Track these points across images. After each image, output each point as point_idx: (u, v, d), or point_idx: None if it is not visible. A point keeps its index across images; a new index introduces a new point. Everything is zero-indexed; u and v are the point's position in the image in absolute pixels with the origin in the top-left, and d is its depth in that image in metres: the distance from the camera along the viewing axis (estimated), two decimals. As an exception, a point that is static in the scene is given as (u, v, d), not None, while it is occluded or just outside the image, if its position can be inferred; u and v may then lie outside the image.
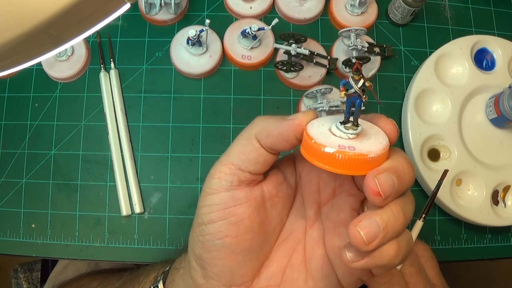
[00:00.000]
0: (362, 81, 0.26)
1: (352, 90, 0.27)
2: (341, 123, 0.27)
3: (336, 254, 0.31)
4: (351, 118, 0.27)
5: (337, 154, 0.25)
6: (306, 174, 0.33)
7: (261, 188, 0.31)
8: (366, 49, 0.53)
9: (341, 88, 0.27)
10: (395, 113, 0.56)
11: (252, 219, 0.30)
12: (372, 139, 0.27)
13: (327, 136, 0.27)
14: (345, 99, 0.28)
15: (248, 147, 0.30)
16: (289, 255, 0.33)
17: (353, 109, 0.27)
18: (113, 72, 0.55)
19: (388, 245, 0.26)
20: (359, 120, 0.27)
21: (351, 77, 0.26)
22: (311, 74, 0.55)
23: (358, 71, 0.26)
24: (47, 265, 0.73)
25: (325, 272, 0.32)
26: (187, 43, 0.53)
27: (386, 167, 0.26)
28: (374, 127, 0.29)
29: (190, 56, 0.54)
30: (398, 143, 0.55)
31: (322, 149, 0.26)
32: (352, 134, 0.27)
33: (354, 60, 0.25)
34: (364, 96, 0.27)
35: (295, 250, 0.33)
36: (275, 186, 0.32)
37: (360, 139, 0.27)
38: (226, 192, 0.30)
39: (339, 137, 0.27)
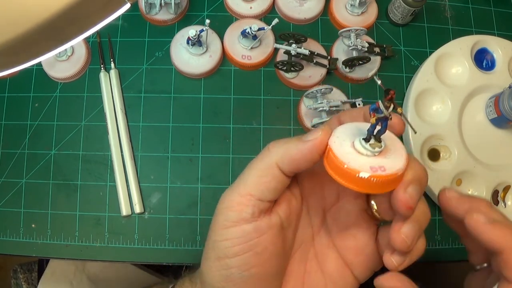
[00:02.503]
0: (392, 106, 0.27)
1: (382, 115, 0.27)
2: (364, 140, 0.28)
3: (352, 253, 0.32)
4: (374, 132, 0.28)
5: (372, 179, 0.26)
6: (308, 183, 0.33)
7: (277, 212, 0.31)
8: (366, 49, 0.53)
9: (371, 114, 0.27)
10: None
11: (275, 244, 0.30)
12: (393, 151, 0.28)
13: (354, 156, 0.27)
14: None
15: (267, 177, 0.29)
16: (304, 264, 0.33)
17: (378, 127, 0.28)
18: (113, 72, 0.55)
19: (419, 241, 0.29)
20: None
21: (382, 103, 0.26)
22: (311, 74, 0.55)
23: (391, 100, 0.26)
24: (43, 266, 0.73)
25: (341, 273, 0.32)
26: (187, 43, 0.53)
27: (411, 179, 0.27)
28: (393, 140, 0.29)
29: (190, 56, 0.54)
30: (398, 143, 0.55)
31: (357, 175, 0.26)
32: (378, 152, 0.28)
33: (389, 91, 0.25)
34: (401, 111, 0.27)
35: (308, 258, 0.33)
36: (287, 205, 0.31)
37: (385, 154, 0.28)
38: (248, 224, 0.29)
39: (366, 155, 0.28)
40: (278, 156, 0.29)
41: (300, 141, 0.28)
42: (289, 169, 0.29)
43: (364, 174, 0.26)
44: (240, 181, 0.30)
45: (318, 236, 0.34)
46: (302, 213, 0.34)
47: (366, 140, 0.28)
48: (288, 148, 0.29)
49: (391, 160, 0.28)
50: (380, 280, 0.29)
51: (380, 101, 0.26)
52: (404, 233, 0.27)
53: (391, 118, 0.27)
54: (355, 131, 0.29)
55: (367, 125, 0.28)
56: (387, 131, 0.28)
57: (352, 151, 0.28)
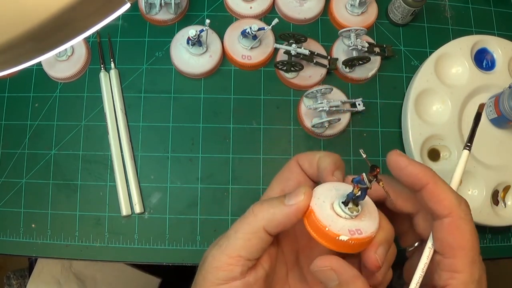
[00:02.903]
0: (374, 180, 0.29)
1: (364, 186, 0.29)
2: (343, 203, 0.31)
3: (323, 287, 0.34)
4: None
5: (350, 241, 0.30)
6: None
7: (261, 265, 0.33)
8: (366, 49, 0.53)
9: (355, 186, 0.30)
10: (395, 113, 0.56)
11: None
12: (367, 213, 0.32)
13: (334, 218, 0.30)
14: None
15: (256, 240, 0.31)
16: None
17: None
18: (113, 72, 0.55)
19: (388, 273, 0.33)
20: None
21: (366, 177, 0.29)
22: (311, 74, 0.55)
23: (376, 177, 0.29)
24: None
25: None
26: (187, 43, 0.53)
27: (381, 240, 0.31)
28: (367, 201, 0.32)
29: (190, 56, 0.54)
30: (398, 143, 0.55)
31: (337, 238, 0.30)
32: (355, 215, 0.31)
33: (375, 168, 0.28)
34: (383, 184, 0.30)
35: None
36: (269, 256, 0.33)
37: (360, 217, 0.31)
38: (237, 281, 0.31)
39: (344, 218, 0.31)
40: (265, 221, 0.31)
41: (285, 206, 0.31)
42: (275, 232, 0.31)
43: (344, 238, 0.30)
44: (228, 242, 0.31)
45: (292, 272, 0.36)
46: (278, 253, 0.35)
47: (345, 204, 0.31)
48: (274, 214, 0.31)
49: (366, 223, 0.31)
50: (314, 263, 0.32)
51: (364, 175, 0.29)
52: (378, 259, 0.31)
53: (383, 186, 0.30)
54: (333, 192, 0.32)
55: (343, 185, 0.32)
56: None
57: (332, 213, 0.31)
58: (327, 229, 0.30)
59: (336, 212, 0.31)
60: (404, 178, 0.33)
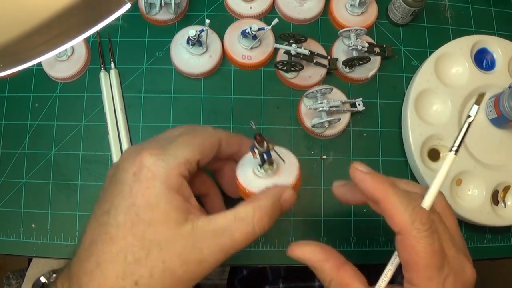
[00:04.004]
0: (265, 144, 0.34)
1: (260, 151, 0.35)
2: (260, 166, 0.36)
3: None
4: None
5: None
6: None
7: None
8: (366, 49, 0.53)
9: (252, 153, 0.36)
10: (395, 113, 0.56)
11: None
12: (287, 167, 0.37)
13: (254, 180, 0.37)
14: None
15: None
16: None
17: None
18: (113, 72, 0.55)
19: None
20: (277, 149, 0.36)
21: (256, 144, 0.34)
22: (311, 74, 0.55)
23: (261, 141, 0.34)
24: None
25: None
26: (187, 43, 0.53)
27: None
28: (288, 156, 0.38)
29: (190, 56, 0.54)
30: (398, 143, 0.55)
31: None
32: (271, 173, 0.37)
33: (256, 136, 0.34)
34: (272, 147, 0.35)
35: None
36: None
37: (279, 173, 0.37)
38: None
39: (263, 177, 0.37)
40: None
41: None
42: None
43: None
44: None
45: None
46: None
47: (261, 166, 0.36)
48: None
49: (282, 178, 0.37)
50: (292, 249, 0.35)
51: (254, 142, 0.34)
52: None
53: (272, 148, 0.35)
54: (253, 161, 0.37)
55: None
56: (284, 149, 0.38)
57: (253, 176, 0.37)
58: (247, 190, 0.37)
59: (256, 175, 0.37)
60: (362, 192, 0.34)
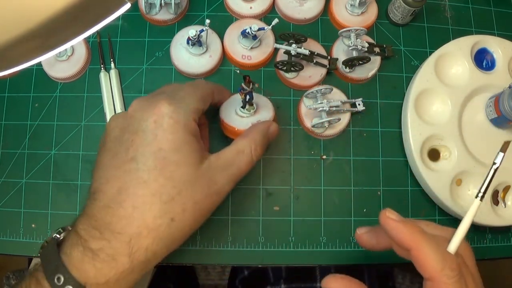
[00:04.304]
0: (251, 85, 0.42)
1: (247, 91, 0.42)
2: (242, 107, 0.45)
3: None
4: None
5: None
6: None
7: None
8: (366, 49, 0.53)
9: (240, 93, 0.43)
10: (395, 113, 0.56)
11: None
12: (264, 107, 0.48)
13: (239, 119, 0.46)
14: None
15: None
16: None
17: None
18: (113, 72, 0.55)
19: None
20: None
21: (244, 84, 0.42)
22: (311, 74, 0.55)
23: (249, 82, 0.42)
24: None
25: None
26: (187, 43, 0.53)
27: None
28: (261, 98, 0.49)
29: (190, 56, 0.54)
30: (398, 143, 0.55)
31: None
32: (252, 112, 0.46)
33: (245, 77, 0.42)
34: (252, 87, 0.43)
35: None
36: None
37: (259, 111, 0.47)
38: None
39: (246, 117, 0.46)
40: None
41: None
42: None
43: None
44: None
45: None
46: None
47: (243, 107, 0.45)
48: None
49: (263, 114, 0.47)
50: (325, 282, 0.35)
51: (242, 84, 0.42)
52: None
53: (253, 89, 0.43)
54: (235, 102, 0.47)
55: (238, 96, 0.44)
56: (259, 95, 0.48)
57: (236, 117, 0.47)
58: (236, 129, 0.45)
59: (239, 115, 0.46)
60: (393, 239, 0.36)
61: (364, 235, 0.40)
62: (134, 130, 0.37)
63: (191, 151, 0.36)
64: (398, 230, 0.34)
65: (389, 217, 0.35)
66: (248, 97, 0.43)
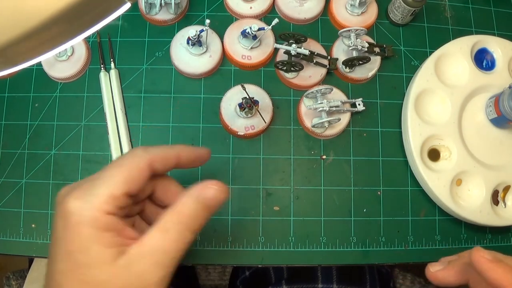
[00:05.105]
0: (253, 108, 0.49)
1: (247, 106, 0.49)
2: (240, 109, 0.50)
3: None
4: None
5: (245, 134, 0.52)
6: None
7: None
8: (366, 49, 0.53)
9: (241, 108, 0.49)
10: (395, 113, 0.56)
11: None
12: (263, 110, 0.51)
13: (235, 118, 0.51)
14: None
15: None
16: None
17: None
18: (113, 72, 0.55)
19: None
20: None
21: (244, 102, 0.48)
22: (311, 74, 0.55)
23: (252, 107, 0.49)
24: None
25: None
26: (187, 43, 0.53)
27: None
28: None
29: (190, 56, 0.54)
30: (398, 143, 0.55)
31: (237, 133, 0.52)
32: (250, 115, 0.50)
33: (245, 102, 0.48)
34: (257, 108, 0.49)
35: None
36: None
37: (256, 115, 0.51)
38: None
39: (243, 118, 0.51)
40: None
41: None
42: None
43: (241, 133, 0.51)
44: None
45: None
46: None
47: (241, 109, 0.49)
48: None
49: (258, 120, 0.50)
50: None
51: (242, 101, 0.48)
52: None
53: (257, 110, 0.49)
54: (237, 96, 0.51)
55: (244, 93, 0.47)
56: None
57: (234, 114, 0.51)
58: (230, 127, 0.50)
59: (237, 114, 0.51)
60: (485, 278, 0.35)
61: (439, 273, 0.39)
62: (52, 229, 0.35)
63: (103, 249, 0.33)
64: (494, 271, 0.34)
65: (483, 257, 0.35)
66: (246, 109, 0.48)
